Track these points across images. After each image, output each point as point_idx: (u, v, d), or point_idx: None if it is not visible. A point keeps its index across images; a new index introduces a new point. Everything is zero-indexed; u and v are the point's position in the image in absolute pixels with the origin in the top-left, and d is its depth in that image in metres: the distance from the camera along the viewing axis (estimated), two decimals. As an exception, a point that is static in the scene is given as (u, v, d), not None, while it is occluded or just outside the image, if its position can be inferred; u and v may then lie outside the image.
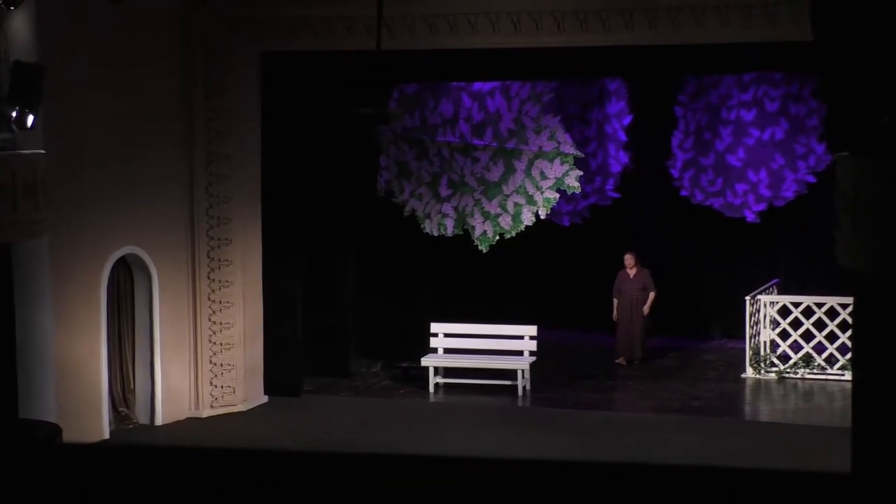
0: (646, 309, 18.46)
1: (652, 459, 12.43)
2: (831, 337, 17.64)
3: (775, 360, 17.92)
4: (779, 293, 18.90)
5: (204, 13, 15.69)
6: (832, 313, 17.60)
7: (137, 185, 14.92)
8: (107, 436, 14.42)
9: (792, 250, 20.33)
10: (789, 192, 19.76)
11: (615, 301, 18.63)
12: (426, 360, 17.51)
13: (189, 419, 15.71)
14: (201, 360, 15.90)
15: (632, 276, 18.62)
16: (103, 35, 14.41)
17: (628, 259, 18.68)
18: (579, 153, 17.91)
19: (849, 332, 17.23)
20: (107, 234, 14.55)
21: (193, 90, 15.66)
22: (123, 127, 14.73)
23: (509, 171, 17.80)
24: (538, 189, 17.67)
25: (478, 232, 17.96)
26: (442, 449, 13.80)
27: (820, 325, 17.70)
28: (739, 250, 20.38)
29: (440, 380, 17.52)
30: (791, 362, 17.78)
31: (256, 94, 16.30)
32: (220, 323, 15.96)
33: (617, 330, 18.70)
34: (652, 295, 18.47)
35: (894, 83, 6.17)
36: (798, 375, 17.70)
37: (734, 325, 19.28)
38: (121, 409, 15.19)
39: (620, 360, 18.58)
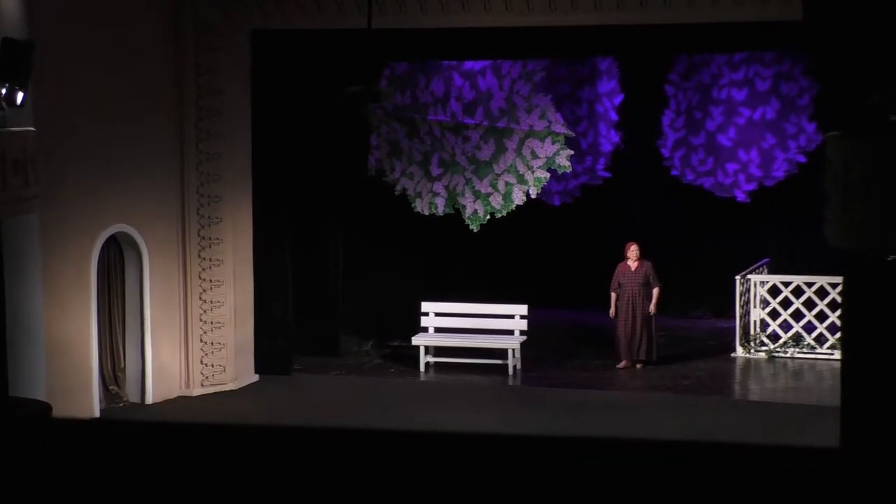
0: (652, 307, 16.98)
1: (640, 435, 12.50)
2: (821, 316, 17.69)
3: (765, 340, 17.97)
4: (769, 273, 18.95)
5: (194, -9, 15.64)
6: (822, 293, 17.65)
7: (128, 163, 14.89)
8: (97, 414, 14.43)
9: (782, 230, 20.39)
10: (780, 171, 19.80)
11: (613, 296, 17.12)
12: (417, 339, 17.54)
13: (180, 398, 15.72)
14: (192, 338, 15.90)
15: (633, 269, 17.08)
16: (93, 12, 14.36)
17: (632, 250, 17.12)
18: (570, 132, 17.91)
19: (838, 312, 17.30)
20: (97, 212, 14.53)
21: (184, 68, 15.62)
22: (114, 104, 14.69)
23: (500, 150, 17.80)
24: (529, 168, 17.68)
25: (469, 211, 17.96)
26: (432, 427, 13.83)
27: (810, 304, 17.74)
28: (730, 230, 20.42)
29: (431, 359, 17.55)
30: (781, 342, 17.83)
31: (247, 73, 16.27)
32: (211, 301, 15.96)
33: (616, 329, 17.21)
34: (656, 291, 17.05)
35: (884, 63, 6.19)
36: (788, 355, 17.75)
37: (724, 305, 19.33)
38: (111, 387, 15.19)
39: (621, 366, 17.06)
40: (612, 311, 17.13)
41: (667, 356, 17.97)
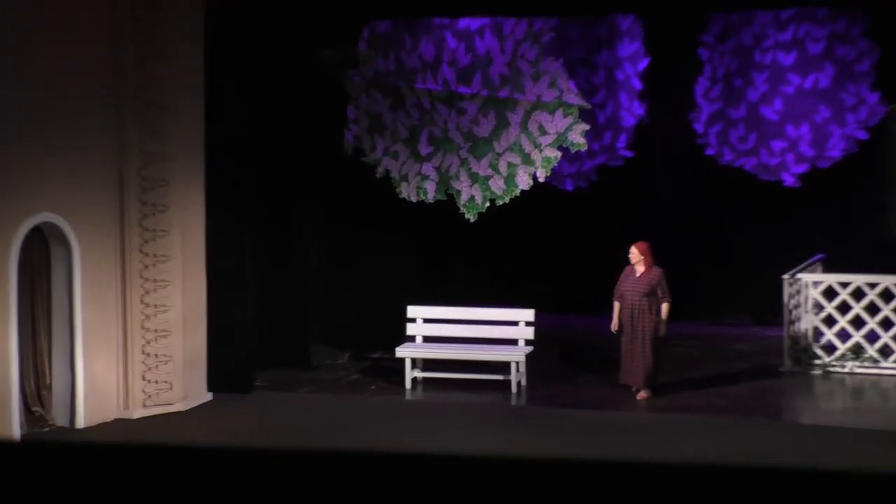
0: (661, 328, 16.39)
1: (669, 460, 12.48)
2: (885, 324, 17.68)
3: (818, 352, 17.96)
4: (823, 271, 18.94)
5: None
6: (887, 295, 17.65)
7: (54, 140, 14.82)
8: (17, 440, 14.38)
9: (839, 220, 20.41)
10: (836, 150, 19.80)
11: (616, 306, 16.70)
12: (402, 351, 17.51)
13: (117, 420, 15.65)
14: (132, 350, 15.84)
15: (637, 275, 16.53)
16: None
17: (633, 252, 16.65)
18: (585, 104, 17.88)
19: (906, 318, 17.31)
20: (17, 199, 14.46)
21: (122, 25, 15.57)
22: (37, 69, 14.62)
23: (502, 124, 17.78)
24: (536, 146, 17.66)
25: (464, 197, 17.94)
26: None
27: (872, 309, 17.74)
28: (776, 220, 20.45)
29: (419, 374, 17.53)
30: (838, 353, 17.81)
31: (198, 31, 16.20)
32: (155, 305, 15.92)
33: (620, 346, 16.84)
34: (665, 307, 16.36)
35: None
36: (846, 369, 17.74)
37: (769, 310, 19.33)
38: (34, 408, 15.12)
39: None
40: (613, 323, 16.65)
41: (700, 371, 17.95)
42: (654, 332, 16.36)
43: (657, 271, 16.51)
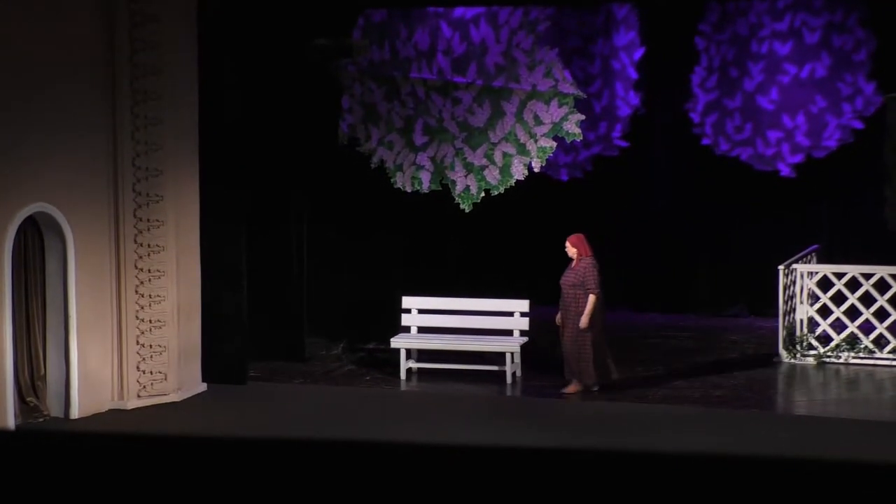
0: (583, 321, 16.06)
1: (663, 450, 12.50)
2: (881, 314, 17.71)
3: (814, 342, 17.99)
4: (818, 262, 18.97)
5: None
6: (882, 286, 17.68)
7: (49, 130, 14.83)
8: (11, 430, 14.39)
9: (834, 211, 20.44)
10: (832, 140, 19.83)
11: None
12: (397, 342, 17.53)
13: (111, 411, 15.68)
14: (126, 340, 15.86)
15: (571, 267, 16.45)
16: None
17: (567, 245, 16.53)
18: (581, 93, 17.90)
19: (901, 309, 17.34)
20: (11, 189, 14.47)
21: (116, 15, 15.56)
22: (31, 60, 14.62)
23: (497, 114, 17.79)
24: (531, 136, 17.67)
25: (459, 187, 17.95)
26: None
27: (868, 299, 17.77)
28: (771, 210, 20.47)
29: (413, 364, 17.55)
30: (833, 344, 17.85)
31: (192, 22, 16.20)
32: (150, 296, 15.93)
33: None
34: (591, 298, 16.08)
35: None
36: (841, 360, 17.77)
37: (764, 301, 19.35)
38: (29, 399, 15.15)
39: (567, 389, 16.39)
40: (558, 317, 16.50)
41: (695, 363, 17.99)
42: (587, 325, 16.13)
43: (586, 262, 16.32)
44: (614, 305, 19.37)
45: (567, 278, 16.38)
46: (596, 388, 16.39)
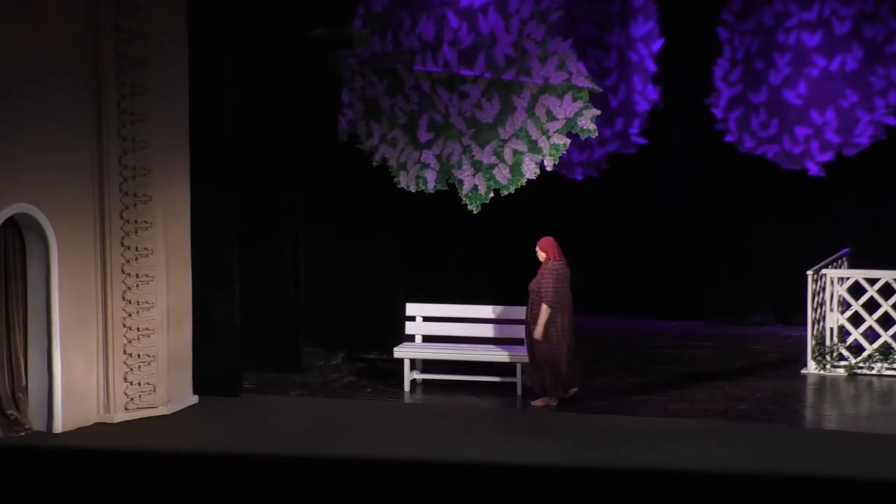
0: (537, 331, 16.19)
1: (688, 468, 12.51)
2: (916, 323, 17.75)
3: (844, 352, 17.98)
4: (849, 266, 18.96)
5: None
6: (917, 292, 17.70)
7: (29, 127, 14.83)
8: (-9, 445, 14.43)
9: (866, 212, 20.42)
10: (863, 137, 19.83)
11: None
12: (400, 351, 17.53)
13: (97, 425, 15.68)
14: (113, 349, 15.86)
15: (538, 272, 16.55)
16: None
17: (537, 248, 16.61)
18: (596, 87, 17.90)
19: (937, 316, 17.34)
20: (-9, 189, 14.51)
21: (100, 3, 15.57)
22: (11, 54, 14.64)
23: (507, 109, 17.80)
24: (543, 133, 17.67)
25: (466, 187, 17.96)
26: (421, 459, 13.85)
27: (901, 307, 17.79)
28: (799, 212, 20.46)
29: (418, 375, 17.56)
30: (865, 354, 17.84)
31: (182, 11, 16.22)
32: (137, 302, 15.94)
33: None
34: (543, 308, 16.19)
35: None
36: (874, 371, 17.77)
37: (792, 308, 19.35)
38: (9, 411, 15.16)
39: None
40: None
41: (718, 374, 17.97)
42: (543, 335, 16.19)
43: (549, 268, 16.38)
44: (633, 312, 19.36)
45: (533, 284, 16.45)
46: (555, 404, 16.40)
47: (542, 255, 16.52)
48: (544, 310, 16.18)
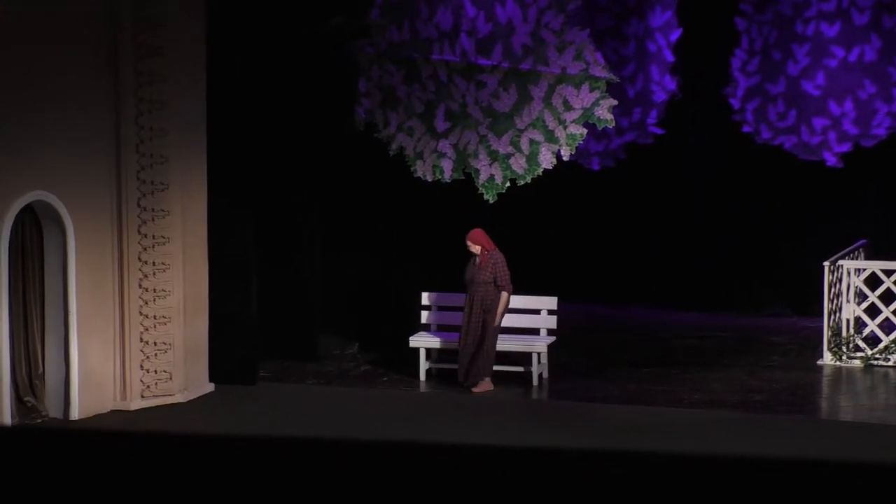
0: (497, 318, 16.57)
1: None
2: (933, 314, 17.73)
3: (861, 344, 17.97)
4: (866, 257, 18.94)
5: None
6: (934, 284, 17.67)
7: (48, 115, 14.88)
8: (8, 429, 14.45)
9: (884, 203, 20.40)
10: (881, 128, 19.79)
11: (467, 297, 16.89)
12: (416, 340, 17.56)
13: (113, 412, 15.74)
14: (129, 337, 15.91)
15: (477, 264, 16.73)
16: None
17: (468, 243, 16.84)
18: (614, 77, 17.88)
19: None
20: (8, 176, 14.53)
21: (119, -8, 15.62)
22: (27, 41, 14.68)
23: (524, 99, 17.78)
24: (560, 123, 17.66)
25: (483, 177, 17.95)
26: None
27: (918, 298, 17.77)
28: (816, 203, 20.44)
29: (433, 365, 17.58)
30: (881, 346, 17.84)
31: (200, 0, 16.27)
32: (154, 290, 15.98)
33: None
34: (503, 296, 16.54)
35: None
36: (890, 363, 17.76)
37: (808, 299, 19.33)
38: (26, 398, 15.21)
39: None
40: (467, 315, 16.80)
41: (734, 365, 17.97)
42: (496, 324, 16.55)
43: (497, 257, 16.72)
44: (649, 302, 19.35)
45: (479, 276, 16.55)
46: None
47: (475, 248, 16.75)
48: (505, 297, 16.47)
